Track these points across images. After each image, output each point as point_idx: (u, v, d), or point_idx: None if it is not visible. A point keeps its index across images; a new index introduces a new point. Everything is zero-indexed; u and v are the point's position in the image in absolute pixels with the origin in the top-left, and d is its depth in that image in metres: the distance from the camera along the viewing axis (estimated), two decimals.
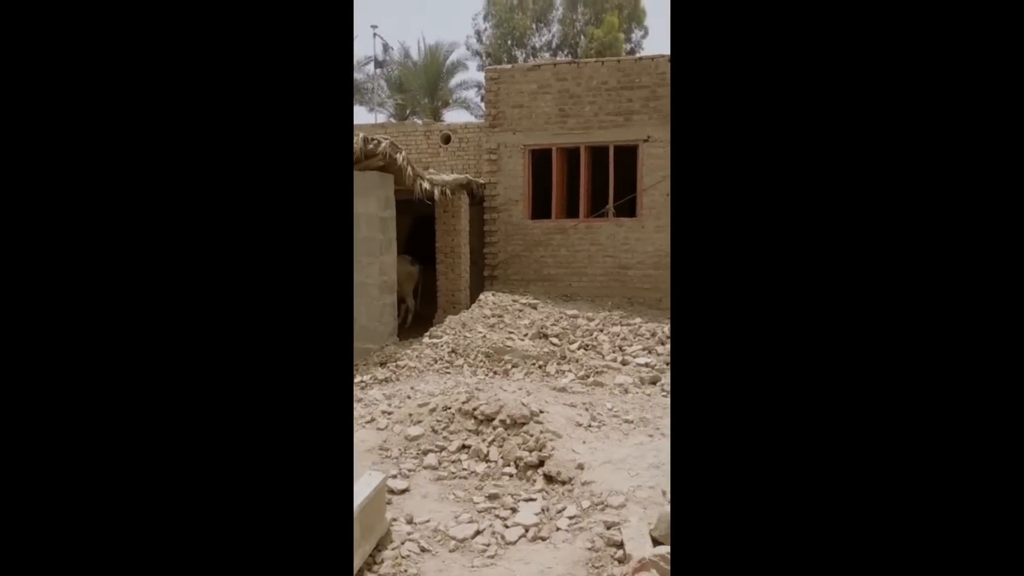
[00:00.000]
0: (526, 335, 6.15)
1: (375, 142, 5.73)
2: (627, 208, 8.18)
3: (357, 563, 2.17)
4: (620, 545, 2.36)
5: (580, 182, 8.28)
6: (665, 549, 2.15)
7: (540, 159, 8.47)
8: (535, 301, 7.49)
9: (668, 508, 2.41)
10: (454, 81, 17.63)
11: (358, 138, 5.52)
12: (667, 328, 6.68)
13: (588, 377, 4.97)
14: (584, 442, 3.37)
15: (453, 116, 17.34)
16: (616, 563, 2.27)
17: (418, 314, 8.09)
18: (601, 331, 6.50)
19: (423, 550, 2.46)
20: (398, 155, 6.08)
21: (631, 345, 6.04)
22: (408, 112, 17.33)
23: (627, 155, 8.15)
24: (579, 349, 5.85)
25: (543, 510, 2.77)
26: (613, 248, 8.18)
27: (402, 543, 2.46)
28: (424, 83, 16.75)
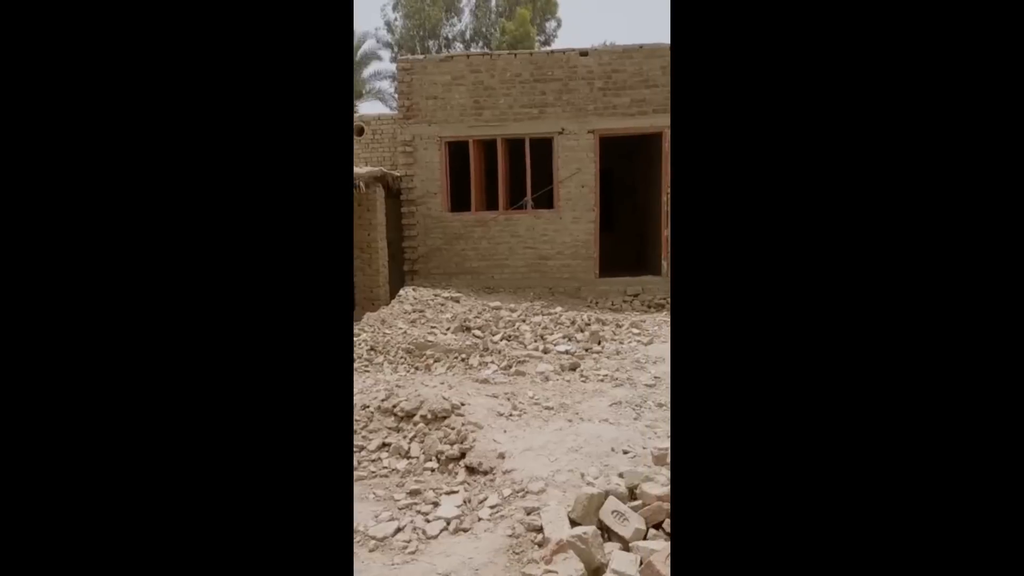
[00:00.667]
0: (448, 329, 6.11)
1: None
2: (545, 200, 8.29)
3: None
4: (540, 530, 2.40)
5: (498, 174, 8.31)
6: (582, 529, 2.21)
7: (457, 151, 8.41)
8: (457, 295, 7.46)
9: (585, 490, 2.48)
10: (367, 72, 17.13)
11: None
12: (586, 315, 6.86)
13: (510, 367, 5.01)
14: (505, 431, 3.40)
15: (368, 107, 16.83)
16: (536, 547, 2.31)
17: None
18: (523, 321, 6.57)
19: None
20: None
21: (552, 334, 6.15)
22: None
23: (543, 147, 8.25)
24: (502, 340, 5.88)
25: (465, 502, 2.77)
26: (533, 239, 8.28)
27: None
28: None
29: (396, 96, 10.48)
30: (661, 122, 7.84)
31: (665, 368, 4.93)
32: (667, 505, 2.31)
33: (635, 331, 6.30)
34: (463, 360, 5.24)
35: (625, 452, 3.11)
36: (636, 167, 10.53)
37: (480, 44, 16.84)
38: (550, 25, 17.67)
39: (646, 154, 9.34)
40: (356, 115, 10.82)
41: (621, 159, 10.38)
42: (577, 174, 8.04)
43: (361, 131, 9.92)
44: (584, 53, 7.93)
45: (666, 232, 8.10)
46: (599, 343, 5.86)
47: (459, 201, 8.49)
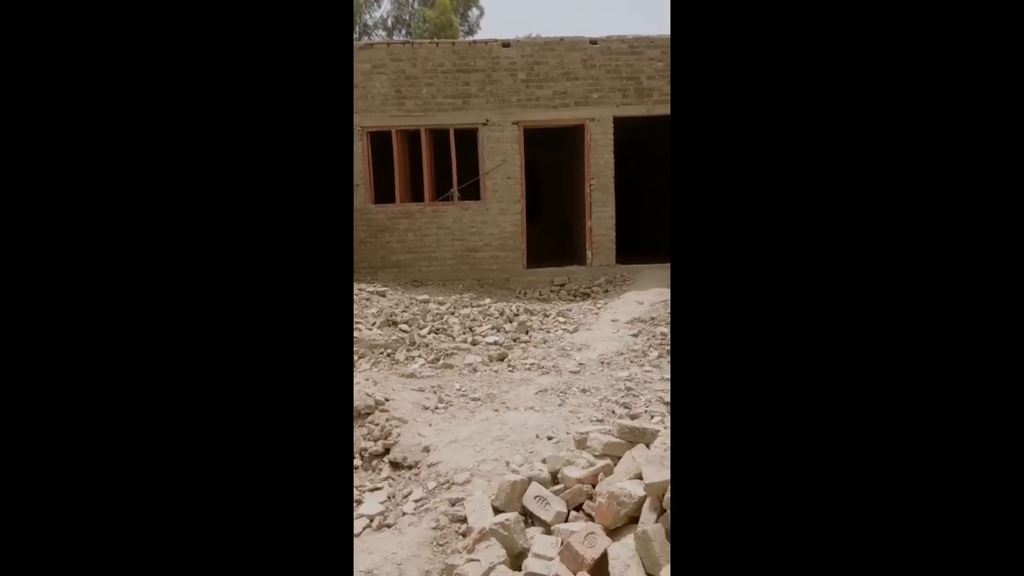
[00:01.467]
0: (374, 324, 5.99)
1: None
2: (472, 191, 8.27)
3: None
4: (464, 520, 2.40)
5: (423, 165, 8.19)
6: (504, 516, 2.23)
7: (380, 142, 8.22)
8: (384, 288, 7.31)
9: (508, 477, 2.51)
10: None
11: None
12: (515, 305, 6.92)
13: (438, 360, 4.98)
14: (431, 425, 3.38)
15: None
16: (460, 537, 2.31)
17: None
18: (452, 314, 6.54)
19: None
20: None
21: (481, 325, 6.16)
22: None
23: (468, 138, 8.21)
24: (429, 334, 5.83)
25: (389, 497, 2.73)
26: (460, 231, 8.24)
27: None
28: None
29: None
30: (583, 114, 7.98)
31: (590, 355, 5.05)
32: (586, 487, 2.37)
33: (561, 320, 6.42)
34: (389, 355, 5.15)
35: (549, 438, 3.17)
36: (561, 158, 10.69)
37: (403, 31, 16.50)
38: (473, 14, 17.54)
39: (570, 145, 9.50)
40: None
41: (546, 150, 10.51)
42: (503, 165, 8.06)
43: None
44: (506, 44, 7.93)
45: (590, 223, 8.28)
46: (527, 333, 5.92)
47: (383, 193, 8.31)
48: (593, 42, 7.93)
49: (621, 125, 8.18)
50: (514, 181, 8.11)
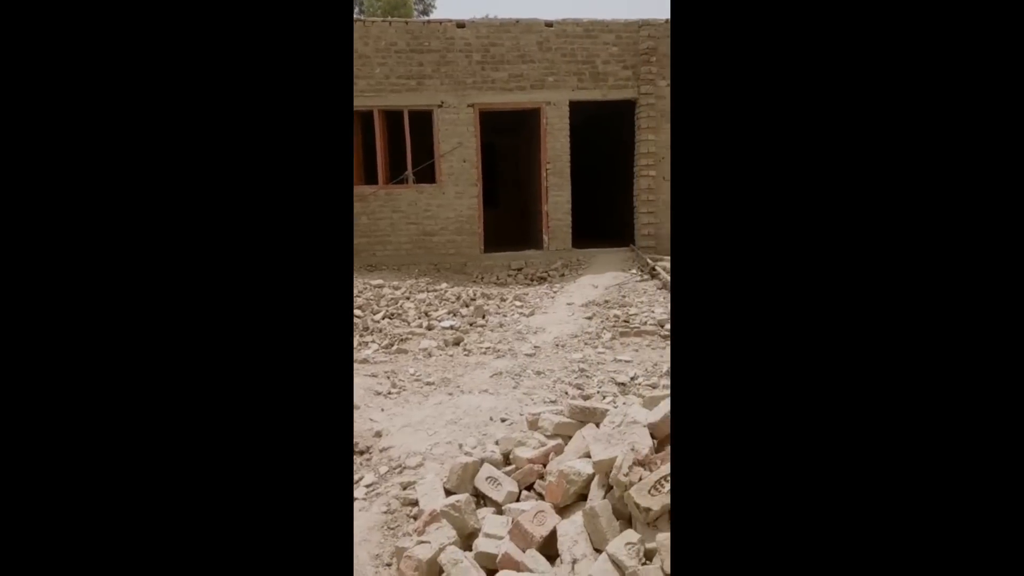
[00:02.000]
0: None
1: None
2: (427, 175, 8.15)
3: None
4: (416, 503, 2.40)
5: (376, 147, 8.02)
6: (455, 498, 2.24)
7: None
8: None
9: (460, 459, 2.51)
10: None
11: None
12: (471, 290, 6.90)
13: (392, 345, 4.92)
14: (383, 409, 3.35)
15: None
16: (411, 520, 2.31)
17: None
18: (407, 299, 6.47)
19: None
20: None
21: (437, 310, 6.12)
22: None
23: (423, 120, 8.08)
24: (384, 319, 5.75)
25: None
26: (416, 215, 8.13)
27: None
28: None
29: None
30: (539, 97, 7.95)
31: (545, 337, 5.10)
32: (537, 467, 2.40)
33: (518, 304, 6.44)
34: None
35: (503, 420, 3.19)
36: (518, 142, 10.65)
37: (356, 9, 16.01)
38: None
39: (527, 129, 9.46)
40: None
41: (503, 134, 10.45)
42: (458, 148, 7.97)
43: None
44: (461, 25, 7.81)
45: (546, 207, 8.30)
46: (483, 317, 5.92)
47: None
48: (549, 24, 7.89)
49: (577, 109, 8.20)
50: (470, 164, 8.04)
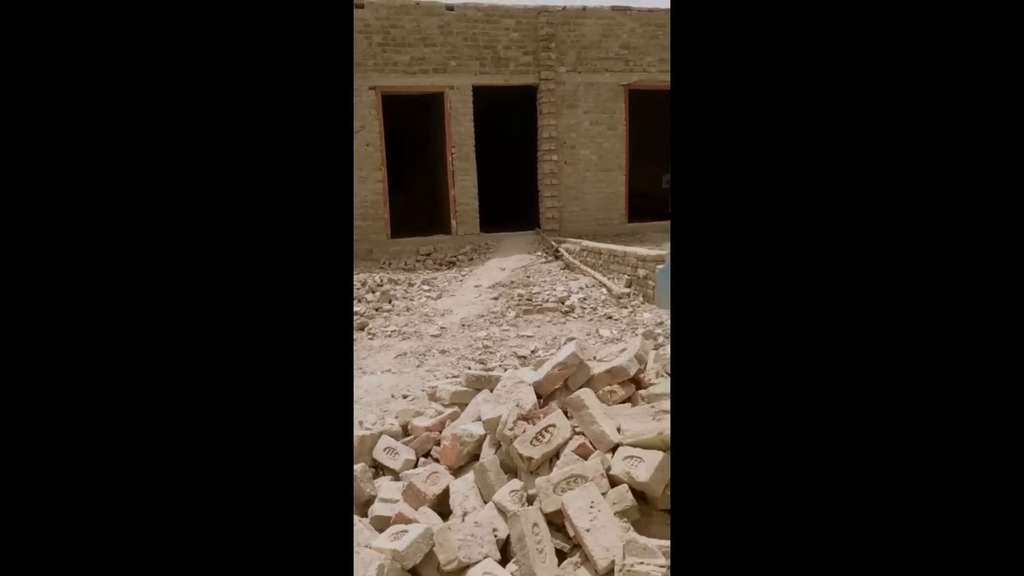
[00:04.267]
0: None
1: None
2: None
3: None
4: None
5: None
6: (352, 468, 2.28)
7: None
8: None
9: (358, 433, 2.55)
10: None
11: None
12: (378, 276, 6.83)
13: None
14: None
15: None
16: None
17: None
18: None
19: None
20: None
21: None
22: None
23: None
24: None
25: None
26: None
27: None
28: None
29: None
30: (442, 81, 7.95)
31: (451, 319, 5.18)
32: (435, 434, 2.49)
33: (426, 288, 6.47)
34: None
35: (404, 396, 3.25)
36: (426, 126, 10.58)
37: None
38: None
39: (432, 114, 9.42)
40: None
41: (410, 118, 10.33)
42: (361, 132, 7.82)
43: None
44: (360, 5, 7.63)
45: (453, 191, 8.35)
46: (390, 302, 5.90)
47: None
48: (450, 8, 7.89)
49: (480, 94, 8.28)
50: (374, 148, 7.92)
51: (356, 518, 2.04)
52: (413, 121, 10.53)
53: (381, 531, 1.99)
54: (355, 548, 1.74)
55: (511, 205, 10.67)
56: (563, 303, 5.24)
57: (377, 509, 2.09)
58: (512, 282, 6.42)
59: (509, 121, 10.43)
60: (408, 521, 1.89)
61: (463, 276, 7.01)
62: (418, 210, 10.42)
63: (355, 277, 6.70)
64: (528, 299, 5.56)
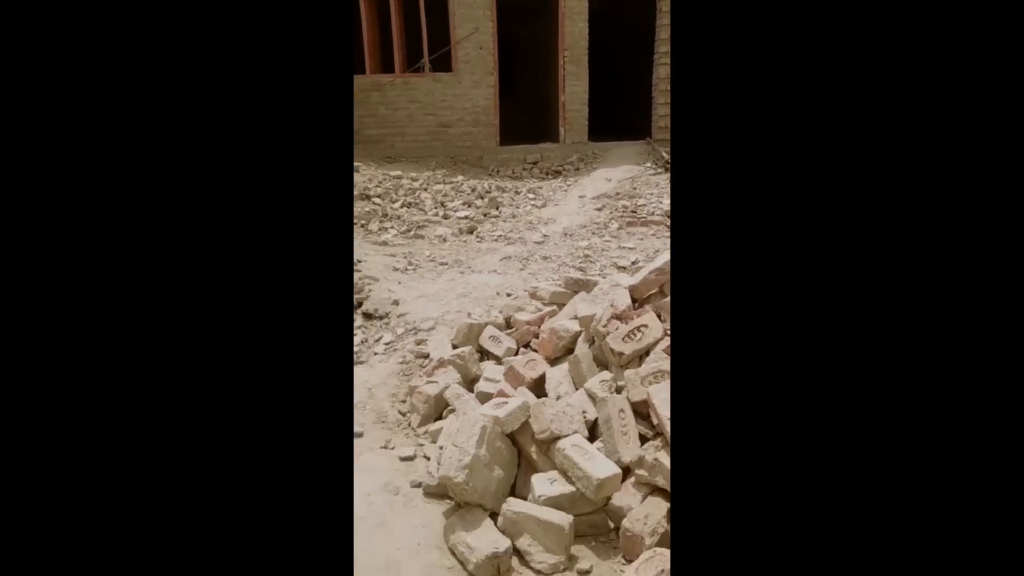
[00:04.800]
0: None
1: None
2: (443, 62, 8.00)
3: None
4: (427, 356, 2.76)
5: (392, 33, 7.84)
6: (461, 349, 2.58)
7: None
8: (357, 164, 7.31)
9: (466, 320, 2.84)
10: None
11: None
12: (487, 183, 7.03)
13: (410, 231, 5.19)
14: (400, 283, 3.67)
15: None
16: (422, 368, 2.68)
17: None
18: (424, 190, 6.66)
19: None
20: None
21: (452, 201, 6.32)
22: None
23: (437, 3, 7.80)
24: (402, 207, 5.99)
25: (362, 342, 3.07)
26: (432, 105, 8.09)
27: None
28: None
29: None
30: None
31: (554, 228, 5.31)
32: (534, 328, 2.72)
33: (531, 196, 6.59)
34: (363, 226, 5.34)
35: (508, 295, 3.50)
36: (536, 31, 10.22)
37: None
38: None
39: (545, 16, 9.06)
40: None
41: (521, 23, 10.02)
42: (475, 34, 7.76)
43: None
44: None
45: (563, 97, 8.17)
46: (497, 208, 6.11)
47: (352, 63, 8.01)
48: None
49: None
50: (486, 52, 7.85)
51: (463, 390, 2.35)
52: (524, 27, 10.20)
53: (484, 404, 2.29)
54: (464, 412, 2.04)
55: (622, 113, 10.26)
56: (668, 216, 5.17)
57: (481, 386, 2.39)
58: (617, 193, 6.36)
59: (621, 23, 9.79)
60: (508, 396, 2.16)
61: (568, 186, 7.03)
62: (526, 117, 10.34)
63: (465, 183, 6.95)
64: (632, 211, 5.53)
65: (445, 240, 5.00)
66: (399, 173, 7.14)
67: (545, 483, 1.80)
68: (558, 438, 1.88)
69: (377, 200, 6.07)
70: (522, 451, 1.96)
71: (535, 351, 2.64)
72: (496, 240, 5.02)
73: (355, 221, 5.40)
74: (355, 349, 2.98)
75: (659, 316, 2.16)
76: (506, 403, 1.98)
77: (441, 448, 1.91)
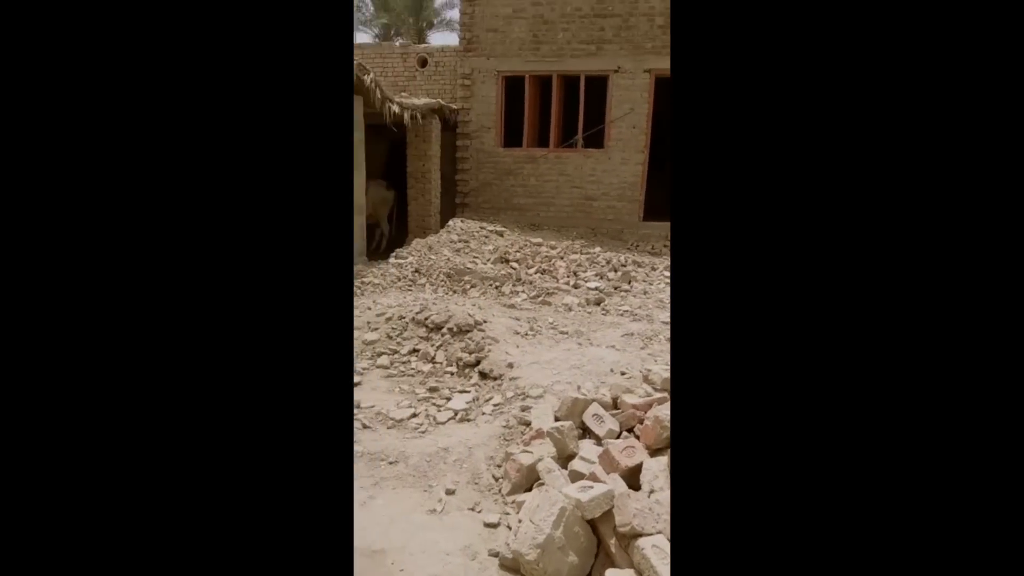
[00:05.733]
0: (488, 260, 6.49)
1: None
2: (596, 140, 8.34)
3: None
4: (529, 424, 2.80)
5: (551, 111, 8.38)
6: (561, 423, 2.59)
7: (513, 86, 8.50)
8: (502, 229, 7.78)
9: (572, 394, 2.84)
10: (439, 0, 17.03)
11: None
12: (623, 256, 7.05)
13: (539, 297, 5.36)
14: (518, 346, 3.79)
15: (438, 38, 16.88)
16: (523, 435, 2.71)
17: (393, 239, 8.35)
18: (560, 258, 6.86)
19: (364, 427, 2.88)
20: (365, 76, 6.15)
21: (586, 271, 6.43)
22: (393, 33, 16.81)
23: (598, 85, 8.22)
24: (536, 273, 6.22)
25: (474, 399, 3.20)
26: (580, 179, 8.41)
27: None
28: (409, 2, 16.17)
29: None
30: None
31: None
32: (640, 413, 2.64)
33: (667, 275, 6.47)
34: (497, 287, 5.63)
35: (622, 373, 3.44)
36: None
37: None
38: None
39: None
40: (421, 46, 10.99)
41: None
42: (630, 114, 8.01)
43: (424, 63, 10.11)
44: None
45: None
46: (629, 283, 6.09)
47: (512, 136, 8.66)
48: None
49: None
50: (639, 131, 8.05)
51: (556, 465, 2.34)
52: None
53: (572, 484, 2.25)
54: (548, 489, 2.03)
55: None
56: None
57: (576, 465, 2.36)
58: None
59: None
60: (598, 481, 2.10)
61: None
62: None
63: (601, 255, 7.04)
64: None
65: (571, 309, 5.08)
66: (540, 240, 7.44)
67: None
68: (639, 535, 1.79)
69: (514, 264, 6.36)
70: (602, 541, 1.89)
71: (637, 437, 2.56)
72: (622, 315, 4.98)
73: (491, 283, 5.71)
74: (466, 406, 3.12)
75: None
76: (592, 487, 1.94)
77: (520, 521, 1.91)
